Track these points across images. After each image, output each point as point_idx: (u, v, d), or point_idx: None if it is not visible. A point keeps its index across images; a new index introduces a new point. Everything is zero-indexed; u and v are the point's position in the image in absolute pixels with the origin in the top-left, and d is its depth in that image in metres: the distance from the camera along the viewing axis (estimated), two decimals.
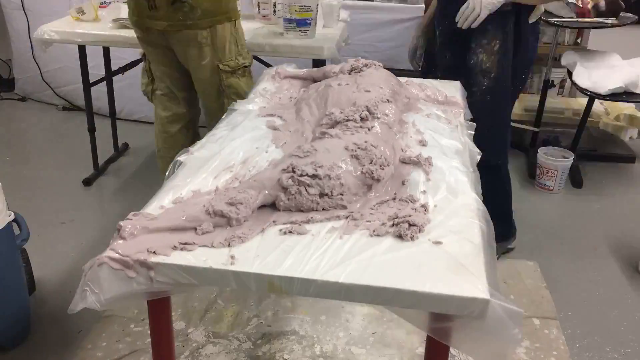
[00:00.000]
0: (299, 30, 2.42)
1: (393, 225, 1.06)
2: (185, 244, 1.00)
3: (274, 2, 2.58)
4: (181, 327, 1.99)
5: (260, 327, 2.00)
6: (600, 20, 3.01)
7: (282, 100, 1.68)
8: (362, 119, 1.37)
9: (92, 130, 3.05)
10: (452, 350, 1.08)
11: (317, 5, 2.44)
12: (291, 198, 1.11)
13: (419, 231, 1.04)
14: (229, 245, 1.01)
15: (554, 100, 3.56)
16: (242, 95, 2.13)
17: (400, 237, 1.03)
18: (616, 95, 2.90)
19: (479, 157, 1.43)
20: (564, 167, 2.95)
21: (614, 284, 2.32)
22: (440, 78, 2.08)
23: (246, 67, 2.26)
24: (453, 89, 1.85)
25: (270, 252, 1.00)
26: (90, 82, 2.96)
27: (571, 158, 2.97)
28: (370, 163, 1.21)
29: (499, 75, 2.05)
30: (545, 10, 2.43)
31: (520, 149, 3.39)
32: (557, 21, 3.04)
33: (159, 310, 1.11)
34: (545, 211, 2.87)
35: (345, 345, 1.93)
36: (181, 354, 1.88)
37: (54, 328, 2.02)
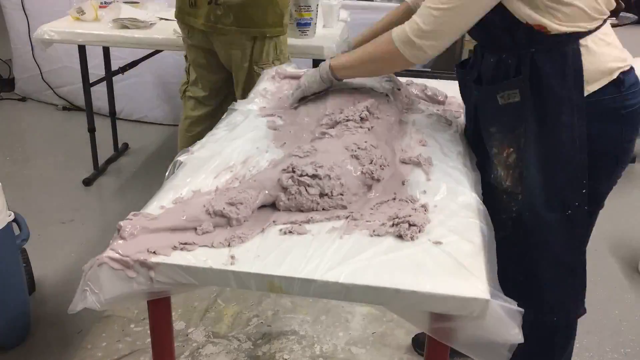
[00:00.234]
0: (299, 30, 2.42)
1: (393, 225, 1.06)
2: (186, 244, 1.00)
3: None
4: (181, 327, 1.99)
5: (260, 327, 2.00)
6: None
7: (282, 101, 1.68)
8: (362, 119, 1.36)
9: (92, 130, 3.05)
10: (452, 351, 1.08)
11: (317, 5, 2.44)
12: (291, 198, 1.11)
13: (419, 231, 1.04)
14: (229, 245, 1.01)
15: None
16: None
17: (400, 237, 1.03)
18: None
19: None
20: None
21: (614, 284, 2.32)
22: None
23: None
24: (453, 89, 1.85)
25: (270, 252, 1.00)
26: (90, 82, 2.96)
27: None
28: (371, 163, 1.21)
29: (526, 198, 1.31)
30: None
31: None
32: None
33: (159, 310, 1.11)
34: None
35: (345, 345, 1.93)
36: (181, 354, 1.88)
37: (54, 328, 2.02)
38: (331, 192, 1.13)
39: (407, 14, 1.53)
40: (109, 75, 3.14)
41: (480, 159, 1.38)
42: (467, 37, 2.17)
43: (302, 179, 1.12)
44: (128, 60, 3.10)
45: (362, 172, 1.19)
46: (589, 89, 1.21)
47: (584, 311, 1.42)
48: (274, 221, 1.09)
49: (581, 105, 1.20)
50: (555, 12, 1.18)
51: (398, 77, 1.72)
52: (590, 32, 1.20)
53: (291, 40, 2.41)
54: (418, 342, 1.91)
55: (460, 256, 0.99)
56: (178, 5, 2.20)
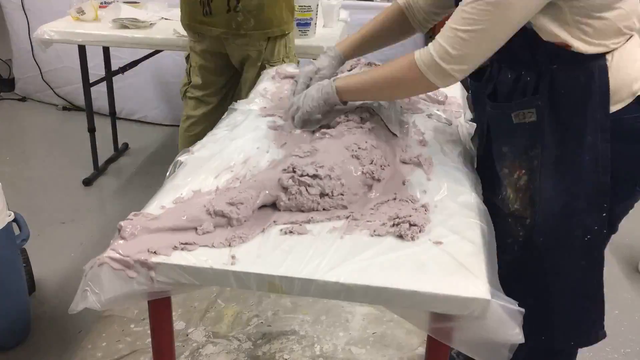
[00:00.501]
0: (299, 30, 2.42)
1: (393, 225, 1.06)
2: (186, 244, 1.00)
3: None
4: (181, 327, 1.99)
5: (260, 327, 2.00)
6: None
7: (282, 101, 1.68)
8: (362, 119, 1.37)
9: (92, 130, 3.05)
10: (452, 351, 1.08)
11: (317, 5, 2.44)
12: (292, 198, 1.11)
13: (420, 231, 1.04)
14: (229, 245, 1.01)
15: None
16: None
17: (400, 237, 1.03)
18: None
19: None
20: None
21: (614, 284, 2.32)
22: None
23: None
24: (453, 89, 1.85)
25: (270, 252, 1.00)
26: (90, 82, 2.95)
27: None
28: (371, 163, 1.21)
29: (538, 224, 1.22)
30: None
31: None
32: None
33: (159, 310, 1.11)
34: None
35: (345, 345, 1.93)
36: (181, 354, 1.88)
37: (54, 328, 2.02)
38: (332, 192, 1.13)
39: (398, 16, 1.46)
40: (109, 75, 3.14)
41: (488, 177, 1.31)
42: None
43: (302, 179, 1.12)
44: (128, 60, 3.10)
45: (362, 172, 1.19)
46: (613, 107, 1.14)
47: (603, 335, 1.29)
48: (274, 221, 1.09)
49: (606, 125, 1.13)
50: (585, 27, 1.09)
51: None
52: (617, 47, 1.13)
53: None
54: None
55: (461, 256, 0.99)
56: (187, 13, 2.17)
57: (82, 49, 2.82)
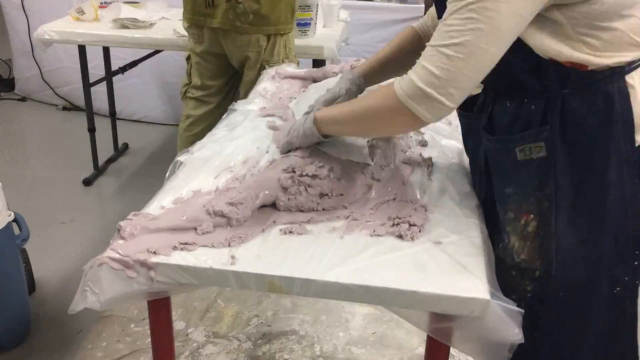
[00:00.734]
0: (299, 30, 2.42)
1: (393, 225, 1.06)
2: (186, 244, 1.00)
3: None
4: (181, 327, 1.99)
5: (260, 327, 2.00)
6: None
7: (282, 101, 1.68)
8: None
9: (92, 130, 3.06)
10: (452, 351, 1.08)
11: (317, 5, 2.44)
12: (291, 198, 1.11)
13: (419, 231, 1.04)
14: (229, 246, 1.01)
15: None
16: None
17: (400, 237, 1.03)
18: None
19: None
20: None
21: None
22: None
23: None
24: None
25: (270, 252, 1.00)
26: (90, 82, 2.96)
27: None
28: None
29: (553, 278, 1.04)
30: None
31: None
32: None
33: (159, 310, 1.11)
34: None
35: (345, 345, 1.93)
36: (181, 354, 1.88)
37: (54, 328, 2.02)
38: (331, 192, 1.13)
39: (415, 38, 1.29)
40: (109, 75, 3.14)
41: (490, 224, 1.12)
42: None
43: (302, 179, 1.12)
44: (128, 60, 3.10)
45: (362, 172, 1.19)
46: (638, 137, 0.98)
47: None
48: (274, 221, 1.09)
49: (632, 158, 0.97)
50: (591, 39, 0.93)
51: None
52: (636, 65, 0.96)
53: None
54: None
55: (460, 256, 0.99)
56: (190, 7, 2.17)
57: (82, 49, 2.82)
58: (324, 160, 1.16)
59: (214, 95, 2.34)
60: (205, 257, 0.98)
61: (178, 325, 2.00)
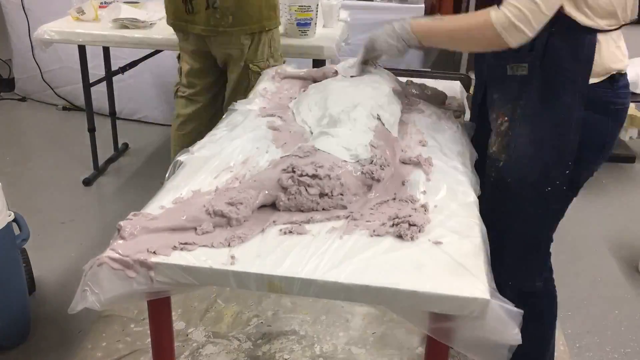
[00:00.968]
0: (299, 30, 2.42)
1: (393, 225, 1.06)
2: (186, 244, 1.00)
3: None
4: (181, 327, 1.99)
5: (260, 327, 2.00)
6: None
7: (282, 101, 1.68)
8: None
9: (92, 130, 3.05)
10: (452, 351, 1.08)
11: (317, 5, 2.44)
12: (291, 198, 1.11)
13: (419, 231, 1.04)
14: (229, 245, 1.01)
15: None
16: None
17: (400, 237, 1.03)
18: None
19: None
20: None
21: (614, 284, 2.32)
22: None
23: None
24: (453, 90, 1.85)
25: (270, 252, 1.00)
26: (90, 82, 2.95)
27: None
28: (371, 163, 1.21)
29: (507, 167, 1.37)
30: None
31: None
32: None
33: (159, 310, 1.11)
34: None
35: (345, 345, 1.93)
36: (181, 354, 1.88)
37: (54, 328, 2.02)
38: (331, 192, 1.13)
39: None
40: (109, 75, 3.14)
41: (482, 127, 1.48)
42: None
43: (302, 179, 1.12)
44: (128, 60, 3.09)
45: (362, 172, 1.19)
46: (590, 80, 1.28)
47: (539, 287, 1.51)
48: (274, 221, 1.09)
49: (583, 91, 1.27)
50: (592, 1, 1.21)
51: (398, 78, 1.72)
52: (608, 32, 1.26)
53: (291, 40, 2.41)
54: None
55: (460, 256, 0.99)
56: (172, 12, 2.19)
57: (82, 49, 2.82)
58: (324, 160, 1.16)
59: (201, 93, 2.34)
60: (205, 257, 0.98)
61: (178, 325, 2.00)
